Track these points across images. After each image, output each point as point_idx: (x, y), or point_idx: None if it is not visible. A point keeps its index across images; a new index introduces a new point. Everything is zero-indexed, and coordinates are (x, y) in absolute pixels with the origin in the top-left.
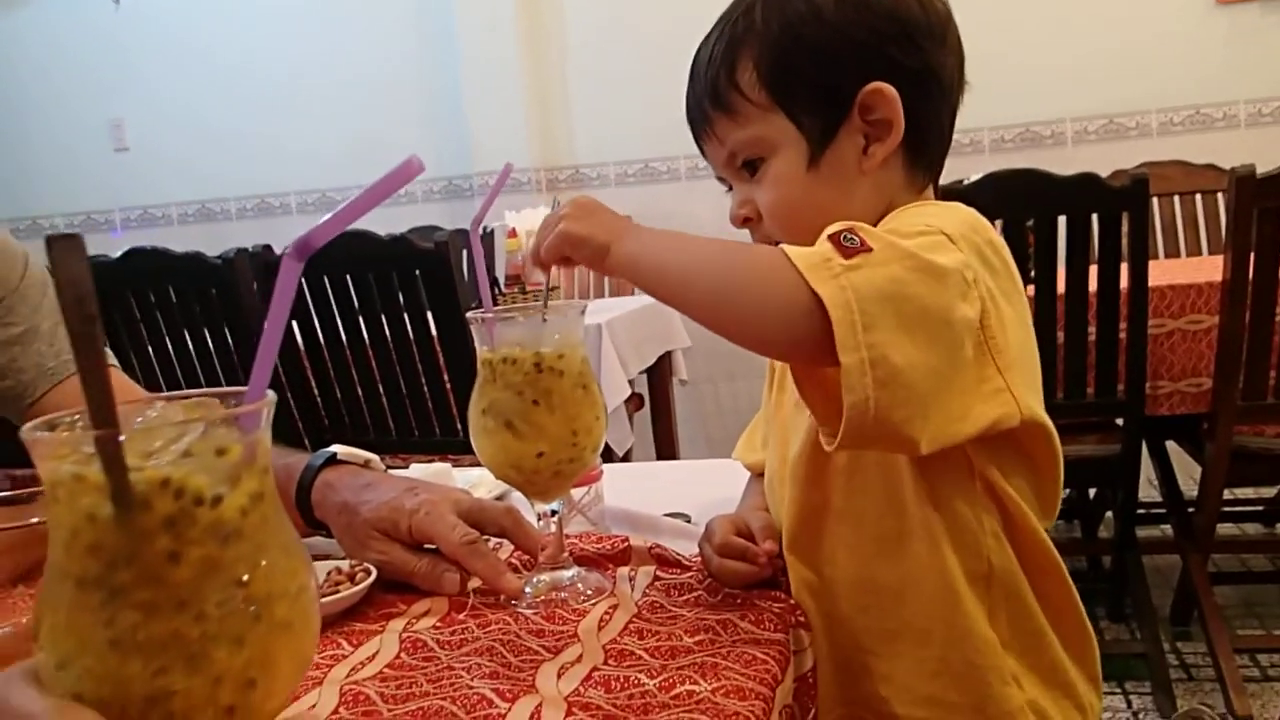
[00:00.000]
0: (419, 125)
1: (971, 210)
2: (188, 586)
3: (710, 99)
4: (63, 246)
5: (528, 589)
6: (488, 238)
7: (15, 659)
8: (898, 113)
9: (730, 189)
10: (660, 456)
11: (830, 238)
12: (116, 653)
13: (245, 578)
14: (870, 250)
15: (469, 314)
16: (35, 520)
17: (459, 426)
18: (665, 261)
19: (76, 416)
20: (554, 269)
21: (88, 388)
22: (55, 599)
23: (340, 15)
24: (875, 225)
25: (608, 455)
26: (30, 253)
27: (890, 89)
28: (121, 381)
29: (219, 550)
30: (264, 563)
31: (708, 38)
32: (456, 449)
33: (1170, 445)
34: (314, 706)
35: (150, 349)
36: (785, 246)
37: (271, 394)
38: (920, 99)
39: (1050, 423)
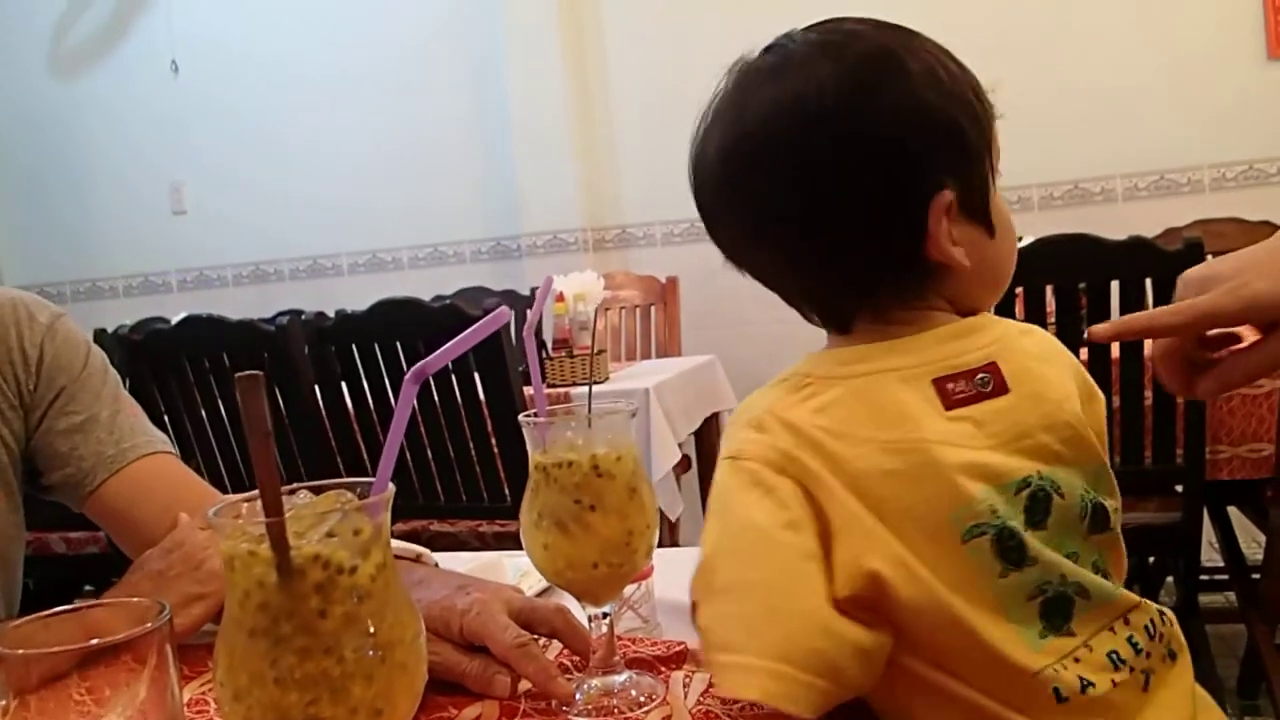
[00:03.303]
0: (469, 187)
1: None
2: (332, 636)
3: None
4: (246, 383)
5: (579, 694)
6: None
7: None
8: None
9: None
10: None
11: None
12: (279, 687)
13: (373, 629)
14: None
15: (521, 418)
16: (94, 641)
17: (506, 492)
18: None
19: (247, 504)
20: (597, 328)
21: (262, 486)
22: (231, 645)
23: (392, 81)
24: None
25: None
26: (91, 341)
27: None
28: (179, 470)
29: (355, 608)
30: (387, 617)
31: None
32: (504, 515)
33: (1232, 509)
34: None
35: (204, 413)
36: None
37: (392, 486)
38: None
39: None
